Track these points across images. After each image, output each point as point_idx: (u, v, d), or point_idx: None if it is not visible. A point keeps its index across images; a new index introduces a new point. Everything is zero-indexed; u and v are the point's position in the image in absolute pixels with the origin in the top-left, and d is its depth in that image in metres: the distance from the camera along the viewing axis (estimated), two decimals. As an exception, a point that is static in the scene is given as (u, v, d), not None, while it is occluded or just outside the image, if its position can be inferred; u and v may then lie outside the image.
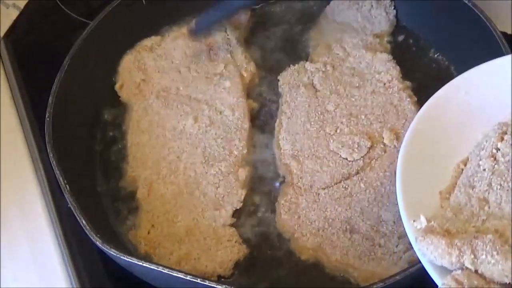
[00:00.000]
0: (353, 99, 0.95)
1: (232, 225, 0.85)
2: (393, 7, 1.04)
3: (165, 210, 0.87)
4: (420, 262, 0.67)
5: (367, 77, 0.97)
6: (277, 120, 0.95)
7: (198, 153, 0.91)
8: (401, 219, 0.83)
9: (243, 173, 0.89)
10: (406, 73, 0.98)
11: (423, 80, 0.98)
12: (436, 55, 1.01)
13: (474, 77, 0.77)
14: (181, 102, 0.96)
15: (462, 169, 0.73)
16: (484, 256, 0.61)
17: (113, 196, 0.91)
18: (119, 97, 1.00)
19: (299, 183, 0.88)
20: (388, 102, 0.94)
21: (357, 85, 0.96)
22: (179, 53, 1.02)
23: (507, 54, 0.86)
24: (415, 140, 0.73)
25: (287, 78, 0.99)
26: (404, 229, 0.68)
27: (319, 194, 0.86)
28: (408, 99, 0.94)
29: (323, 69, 0.98)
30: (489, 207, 0.67)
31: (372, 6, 1.05)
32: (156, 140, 0.93)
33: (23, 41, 1.13)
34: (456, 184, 0.72)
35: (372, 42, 1.02)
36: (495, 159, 0.70)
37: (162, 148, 0.92)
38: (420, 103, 0.94)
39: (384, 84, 0.96)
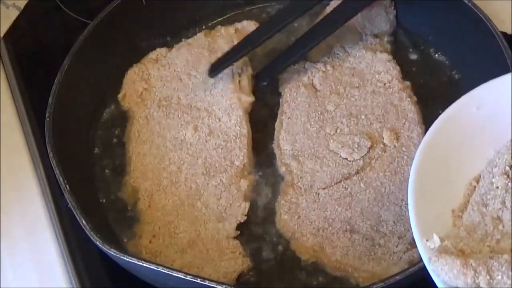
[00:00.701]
0: (353, 99, 0.95)
1: (235, 237, 0.85)
2: (393, 7, 1.04)
3: (166, 222, 0.86)
4: (422, 261, 0.67)
5: (367, 77, 0.97)
6: (277, 120, 0.95)
7: (199, 164, 0.90)
8: (401, 219, 0.83)
9: (244, 184, 0.88)
10: (406, 73, 0.98)
11: (423, 80, 0.98)
12: (436, 55, 1.01)
13: (486, 92, 0.75)
14: (182, 112, 0.96)
15: (475, 187, 0.72)
16: (500, 277, 0.60)
17: (113, 206, 0.91)
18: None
19: (299, 183, 0.88)
20: (388, 102, 0.94)
21: (357, 85, 0.96)
22: (182, 61, 1.01)
23: (507, 54, 0.86)
24: (427, 156, 0.72)
25: (287, 78, 0.99)
26: (416, 242, 0.67)
27: (319, 194, 0.86)
28: (408, 99, 0.94)
29: (323, 69, 0.98)
30: (503, 226, 0.66)
31: (372, 6, 1.04)
32: (157, 151, 0.92)
33: (23, 41, 1.13)
34: (469, 202, 0.71)
35: (372, 42, 1.02)
36: (508, 176, 0.69)
37: (162, 158, 0.91)
38: (420, 103, 0.95)
39: (384, 84, 0.96)
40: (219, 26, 1.06)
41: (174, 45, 1.05)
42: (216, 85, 0.97)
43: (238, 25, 1.07)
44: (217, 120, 0.94)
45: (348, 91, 0.96)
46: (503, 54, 0.86)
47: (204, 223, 0.85)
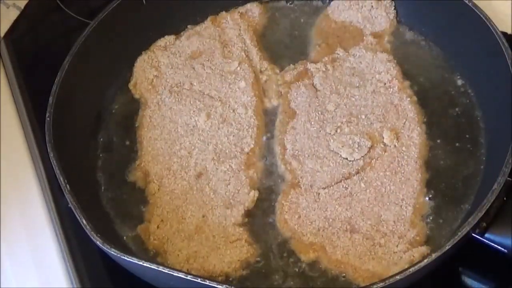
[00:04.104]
0: (353, 99, 0.95)
1: (241, 224, 0.85)
2: (393, 8, 1.04)
3: (174, 206, 0.87)
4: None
5: (367, 77, 0.97)
6: (277, 120, 0.95)
7: (210, 150, 0.91)
8: (401, 219, 0.83)
9: (253, 172, 0.89)
10: (406, 73, 0.98)
11: (423, 80, 0.98)
12: (436, 55, 1.01)
13: None
14: (194, 98, 0.97)
15: None
16: None
17: (117, 194, 0.91)
18: (119, 95, 1.01)
19: (299, 183, 0.88)
20: (388, 102, 0.94)
21: (357, 85, 0.96)
22: (193, 50, 1.02)
23: (507, 54, 0.86)
24: None
25: (287, 77, 0.99)
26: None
27: (319, 193, 0.86)
28: (408, 99, 0.94)
29: (323, 69, 0.98)
30: None
31: (372, 6, 1.05)
32: (168, 135, 0.94)
33: (23, 41, 1.14)
34: None
35: (372, 42, 1.02)
36: None
37: (173, 143, 0.93)
38: (420, 102, 0.94)
39: (384, 84, 0.96)
40: (224, 12, 1.08)
41: (182, 33, 1.06)
42: (237, 81, 0.98)
43: (242, 9, 1.08)
44: (232, 111, 0.95)
45: (349, 91, 0.96)
46: (503, 54, 0.86)
47: (211, 209, 0.86)
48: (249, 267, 0.83)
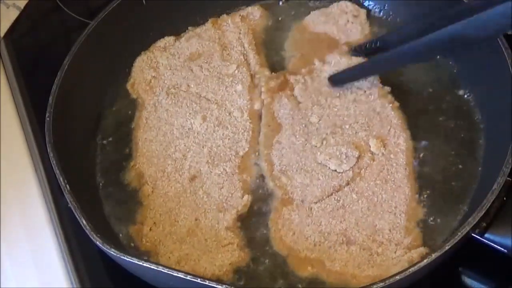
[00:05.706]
0: (336, 109, 0.94)
1: (233, 229, 0.85)
2: (368, 24, 1.05)
3: (167, 208, 0.87)
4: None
5: (346, 85, 0.96)
6: (261, 134, 0.94)
7: (204, 153, 0.91)
8: (396, 226, 0.82)
9: (247, 176, 0.89)
10: (406, 73, 0.98)
11: (423, 80, 0.98)
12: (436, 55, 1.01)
13: None
14: (191, 100, 0.97)
15: None
16: None
17: (114, 194, 0.91)
18: (119, 96, 1.01)
19: (290, 199, 0.87)
20: (371, 110, 0.93)
21: (338, 94, 0.95)
22: (192, 52, 1.03)
23: (507, 54, 0.86)
24: None
25: (271, 85, 0.97)
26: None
27: (311, 208, 0.85)
28: (390, 105, 0.93)
29: (302, 81, 0.97)
30: None
31: (348, 21, 1.05)
32: (163, 137, 0.94)
33: (23, 41, 1.13)
34: None
35: (347, 50, 1.01)
36: None
37: (168, 145, 0.93)
38: (419, 103, 0.94)
39: (365, 91, 0.95)
40: (225, 15, 1.08)
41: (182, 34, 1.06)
42: (234, 85, 0.98)
43: (243, 12, 1.09)
44: (227, 114, 0.95)
45: (330, 101, 0.95)
46: (503, 54, 0.86)
47: (204, 212, 0.87)
48: (240, 271, 0.83)
